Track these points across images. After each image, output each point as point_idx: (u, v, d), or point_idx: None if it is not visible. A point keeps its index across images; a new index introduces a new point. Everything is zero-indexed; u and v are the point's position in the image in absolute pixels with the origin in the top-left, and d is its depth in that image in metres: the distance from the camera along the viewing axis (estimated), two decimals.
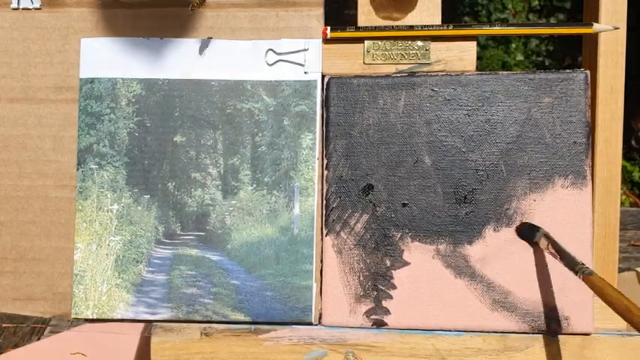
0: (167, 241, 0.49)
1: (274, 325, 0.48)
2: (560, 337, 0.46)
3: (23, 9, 0.51)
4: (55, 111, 0.50)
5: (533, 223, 0.46)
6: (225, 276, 0.49)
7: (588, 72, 0.47)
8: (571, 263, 0.41)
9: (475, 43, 0.49)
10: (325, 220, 0.48)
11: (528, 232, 0.46)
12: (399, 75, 0.49)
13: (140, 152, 0.50)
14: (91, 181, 0.49)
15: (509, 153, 0.47)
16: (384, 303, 0.47)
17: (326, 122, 0.49)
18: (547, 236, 0.44)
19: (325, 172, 0.48)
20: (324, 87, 0.49)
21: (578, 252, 0.46)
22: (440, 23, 0.49)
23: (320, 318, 0.48)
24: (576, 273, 0.40)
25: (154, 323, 0.48)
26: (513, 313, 0.47)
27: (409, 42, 0.49)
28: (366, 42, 0.49)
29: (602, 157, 0.49)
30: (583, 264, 0.40)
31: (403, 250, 0.48)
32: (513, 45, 1.54)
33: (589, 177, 0.47)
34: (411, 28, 0.48)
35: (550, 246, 0.43)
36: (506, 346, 0.47)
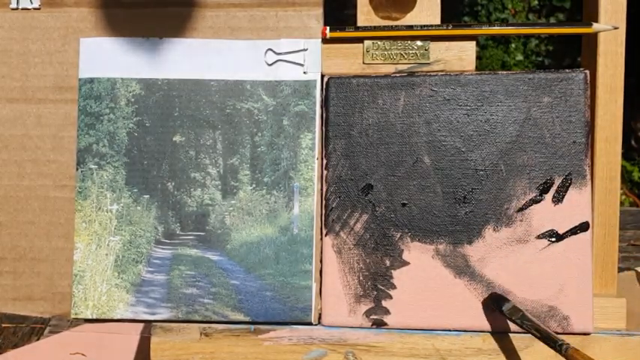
0: (166, 241, 0.49)
1: (274, 325, 0.48)
2: (559, 336, 0.46)
3: (22, 9, 0.51)
4: (54, 111, 0.50)
5: (501, 294, 0.46)
6: (225, 276, 0.49)
7: (588, 72, 0.47)
8: (549, 339, 0.41)
9: (474, 43, 0.49)
10: (325, 220, 0.48)
11: (496, 303, 0.46)
12: (398, 75, 0.49)
13: (139, 152, 0.50)
14: (91, 181, 0.49)
15: (509, 153, 0.47)
16: (384, 303, 0.47)
17: (325, 122, 0.49)
18: (517, 309, 0.44)
19: (325, 172, 0.48)
20: (324, 87, 0.49)
21: (577, 252, 0.46)
22: (439, 23, 0.49)
23: (320, 318, 0.48)
24: (558, 350, 0.40)
25: (154, 323, 0.48)
26: None
27: (408, 42, 0.49)
28: (365, 42, 0.49)
29: (601, 157, 0.48)
30: (563, 340, 0.40)
31: (403, 249, 0.47)
32: (513, 45, 1.54)
33: (589, 177, 0.47)
34: (410, 27, 0.48)
35: (522, 320, 0.43)
36: (506, 346, 0.47)
